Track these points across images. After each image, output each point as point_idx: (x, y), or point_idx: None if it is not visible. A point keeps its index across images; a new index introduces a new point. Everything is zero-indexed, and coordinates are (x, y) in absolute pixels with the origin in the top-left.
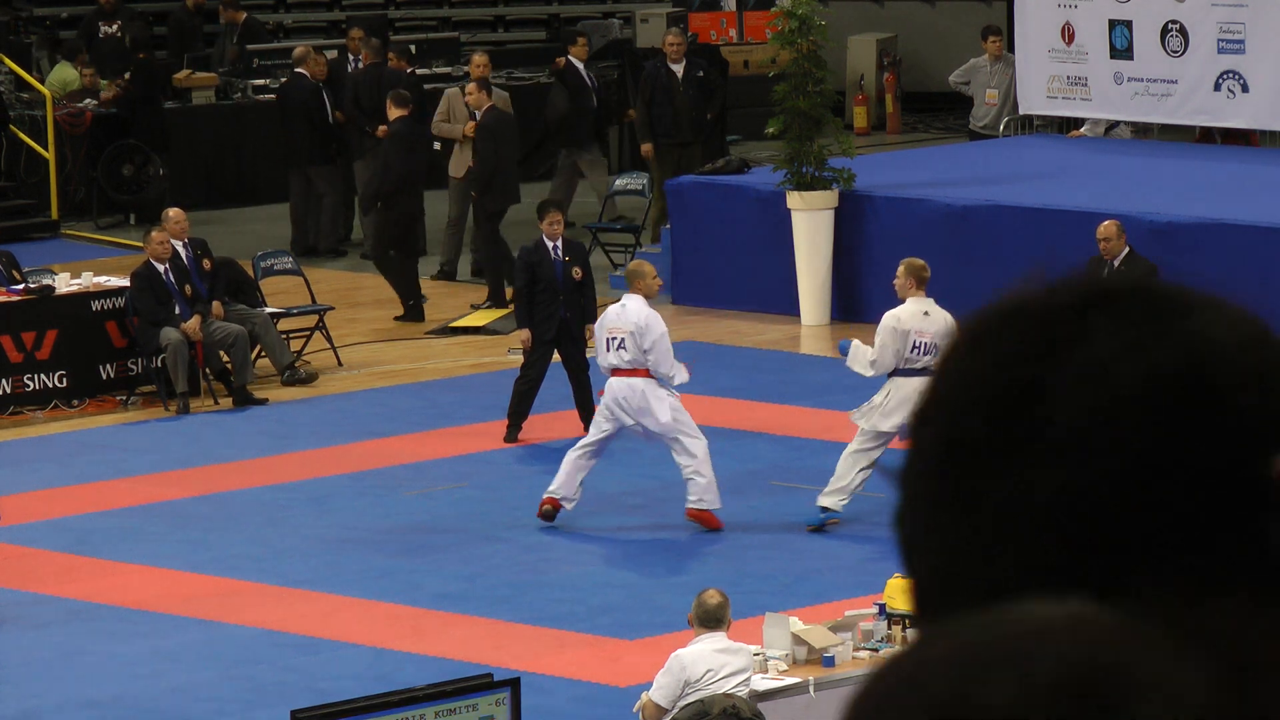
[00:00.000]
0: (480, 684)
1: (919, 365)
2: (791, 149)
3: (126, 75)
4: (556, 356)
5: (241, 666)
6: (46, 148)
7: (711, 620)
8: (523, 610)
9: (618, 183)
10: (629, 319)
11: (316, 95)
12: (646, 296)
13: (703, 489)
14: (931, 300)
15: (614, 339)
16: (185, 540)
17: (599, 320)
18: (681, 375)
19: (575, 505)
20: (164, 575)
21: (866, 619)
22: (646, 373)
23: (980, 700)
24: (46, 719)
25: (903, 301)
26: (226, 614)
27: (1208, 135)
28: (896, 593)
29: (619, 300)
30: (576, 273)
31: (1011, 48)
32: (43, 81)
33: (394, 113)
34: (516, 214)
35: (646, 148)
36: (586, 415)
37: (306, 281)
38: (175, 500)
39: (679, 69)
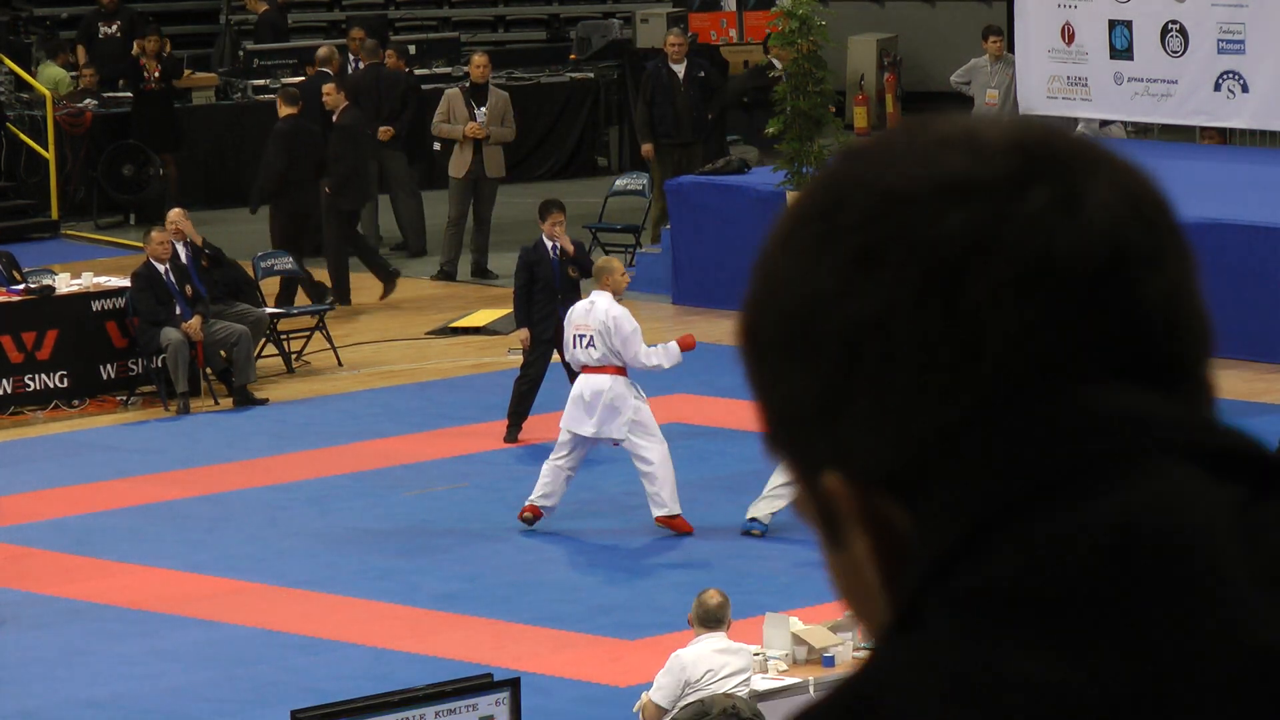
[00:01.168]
0: (480, 684)
1: None
2: (791, 149)
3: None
4: (556, 357)
5: (241, 666)
6: (46, 148)
7: (711, 620)
8: (523, 610)
9: (618, 183)
10: (596, 316)
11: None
12: (614, 293)
13: (661, 496)
14: None
15: (582, 335)
16: (185, 540)
17: (566, 316)
18: (669, 358)
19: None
20: (164, 575)
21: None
22: (616, 370)
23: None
24: (46, 719)
25: None
26: (226, 614)
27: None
28: None
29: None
30: (573, 272)
31: (1012, 48)
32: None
33: (283, 110)
34: (520, 214)
35: (647, 148)
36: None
37: (306, 281)
38: (175, 500)
39: (680, 69)
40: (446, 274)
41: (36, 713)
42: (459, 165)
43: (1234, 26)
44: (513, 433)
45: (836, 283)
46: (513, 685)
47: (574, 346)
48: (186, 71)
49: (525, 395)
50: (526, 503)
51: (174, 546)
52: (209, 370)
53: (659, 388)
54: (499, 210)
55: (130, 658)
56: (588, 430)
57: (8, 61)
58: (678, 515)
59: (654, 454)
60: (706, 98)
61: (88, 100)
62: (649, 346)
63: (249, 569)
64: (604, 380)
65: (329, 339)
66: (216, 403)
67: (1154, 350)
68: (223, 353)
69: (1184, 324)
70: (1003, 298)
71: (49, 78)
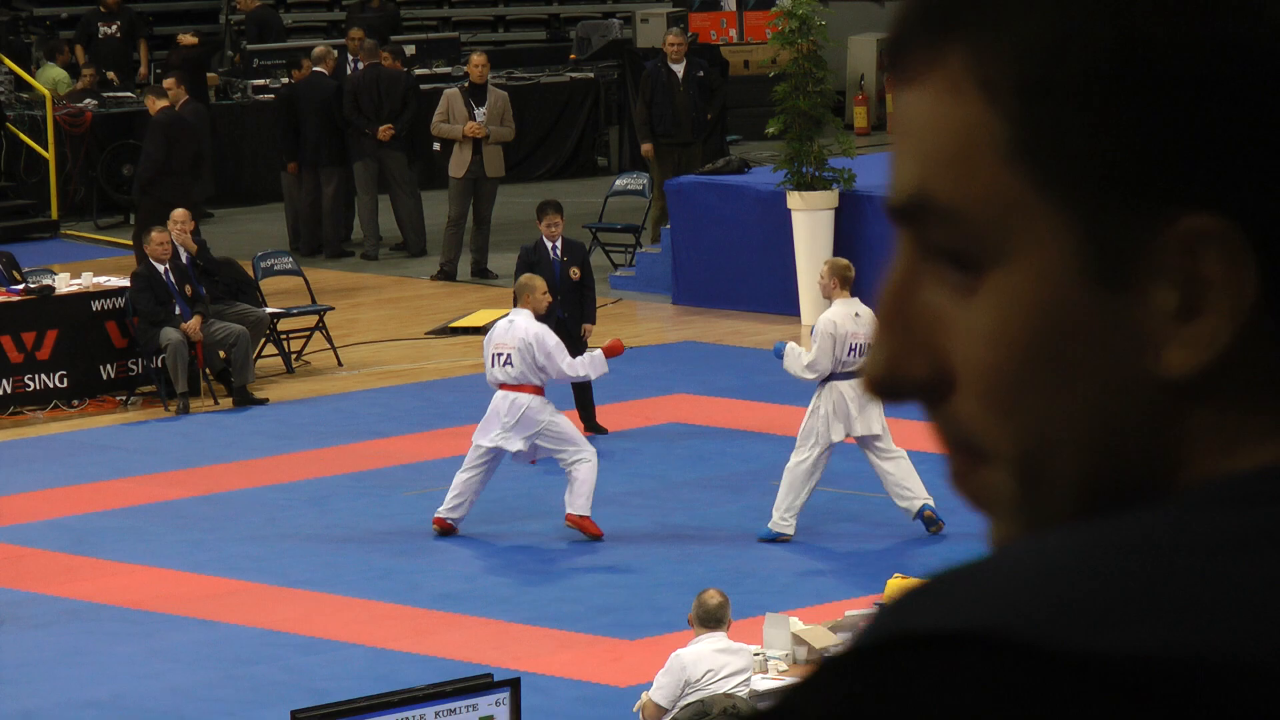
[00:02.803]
0: (480, 684)
1: (853, 368)
2: (792, 149)
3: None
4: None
5: (241, 666)
6: (46, 148)
7: (711, 620)
8: (523, 610)
9: (618, 183)
10: (516, 334)
11: (337, 94)
12: (534, 311)
13: (581, 494)
14: (857, 300)
15: (499, 355)
16: (185, 540)
17: (486, 336)
18: (595, 367)
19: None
20: (164, 575)
21: (866, 619)
22: (532, 389)
23: None
24: (46, 719)
25: (829, 303)
26: (226, 614)
27: None
28: (896, 593)
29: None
30: (574, 273)
31: None
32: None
33: (158, 104)
34: (520, 214)
35: (647, 148)
36: (587, 415)
37: (306, 281)
38: (175, 500)
39: (679, 69)
40: (446, 274)
41: (36, 713)
42: (459, 165)
43: None
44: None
45: None
46: (513, 685)
47: (491, 365)
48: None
49: (581, 390)
50: (435, 514)
51: (174, 546)
52: (209, 370)
53: (659, 388)
54: (499, 210)
55: (130, 658)
56: (489, 442)
57: (8, 62)
58: (587, 517)
59: (584, 465)
60: (706, 98)
61: (87, 100)
62: (574, 358)
63: (249, 569)
64: (521, 398)
65: (329, 339)
66: (216, 403)
67: None
68: (222, 353)
69: None
70: None
71: (49, 78)
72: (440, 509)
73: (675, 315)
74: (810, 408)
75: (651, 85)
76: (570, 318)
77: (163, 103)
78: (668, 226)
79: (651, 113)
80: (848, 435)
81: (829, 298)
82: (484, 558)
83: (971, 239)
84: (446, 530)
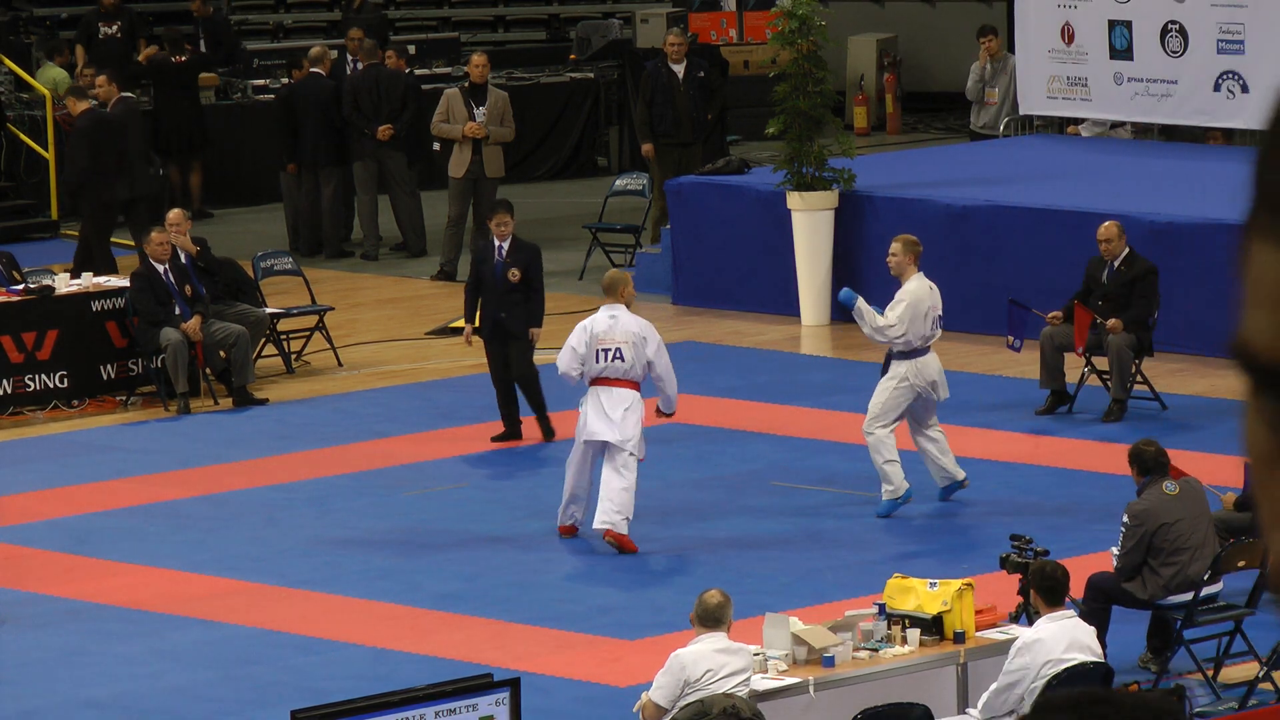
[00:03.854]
0: (480, 684)
1: (933, 340)
2: (792, 149)
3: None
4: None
5: (241, 666)
6: (46, 148)
7: (711, 620)
8: (523, 610)
9: (618, 183)
10: (626, 329)
11: (335, 95)
12: (628, 305)
13: (620, 510)
14: (923, 275)
15: (607, 350)
16: (185, 540)
17: (584, 334)
18: (676, 401)
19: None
20: (164, 575)
21: (866, 619)
22: (635, 385)
23: None
24: (46, 719)
25: (902, 280)
26: (226, 614)
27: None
28: (896, 593)
29: (598, 308)
30: (513, 274)
31: (1011, 48)
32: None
33: (79, 106)
34: (520, 214)
35: (647, 148)
36: (512, 421)
37: (306, 281)
38: (175, 500)
39: (679, 69)
40: (446, 274)
41: (36, 713)
42: (458, 165)
43: (1234, 26)
44: (512, 432)
45: None
46: (513, 685)
47: (597, 360)
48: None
49: (499, 394)
50: (605, 529)
51: (174, 546)
52: (209, 370)
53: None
54: None
55: (130, 658)
56: (610, 436)
57: (8, 62)
58: (625, 534)
59: (631, 476)
60: (706, 98)
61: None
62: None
63: (249, 569)
64: (627, 395)
65: (329, 339)
66: (216, 403)
67: None
68: (222, 353)
69: None
70: None
71: (49, 78)
72: (563, 513)
73: (675, 315)
74: (886, 384)
75: (651, 85)
76: (510, 318)
77: (84, 104)
78: (668, 226)
79: (651, 113)
80: (946, 392)
81: (900, 274)
82: (484, 558)
83: None
84: (573, 533)
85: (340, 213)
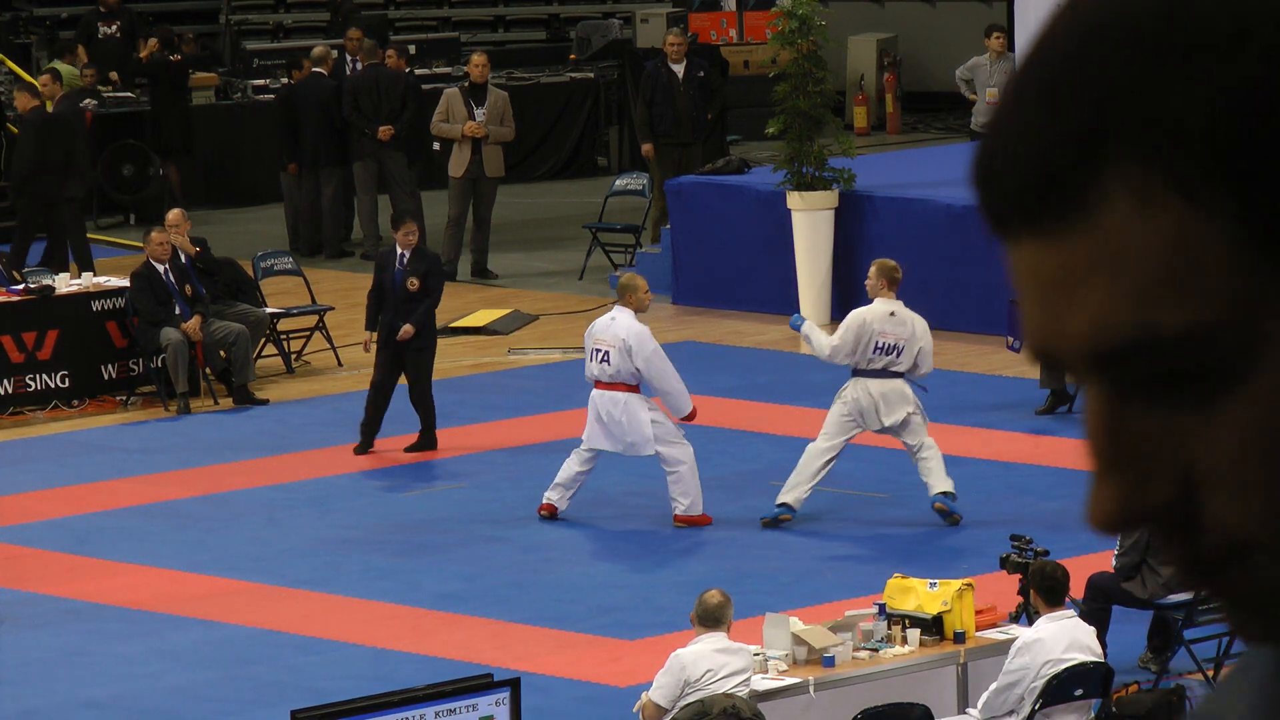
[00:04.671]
0: (480, 684)
1: (878, 366)
2: (792, 149)
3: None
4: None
5: (241, 666)
6: None
7: (711, 620)
8: (523, 610)
9: (618, 183)
10: (617, 332)
11: (336, 95)
12: (637, 311)
13: (687, 493)
14: (900, 303)
15: (598, 350)
16: (185, 540)
17: (587, 330)
18: (687, 405)
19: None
20: (164, 575)
21: (866, 619)
22: (628, 387)
23: None
24: (46, 719)
25: (871, 301)
26: (226, 614)
27: None
28: (896, 593)
29: (616, 299)
30: (412, 284)
31: (1013, 47)
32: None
33: (28, 103)
34: (520, 214)
35: (647, 148)
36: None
37: (306, 281)
38: (175, 500)
39: (679, 69)
40: (446, 274)
41: (36, 713)
42: (458, 165)
43: None
44: (365, 445)
45: None
46: (513, 685)
47: (590, 360)
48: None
49: (369, 405)
50: (547, 500)
51: (174, 546)
52: (209, 370)
53: None
54: (499, 210)
55: (130, 658)
56: (614, 447)
57: (8, 62)
58: (700, 513)
59: (684, 454)
60: (706, 97)
61: (88, 100)
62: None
63: (249, 569)
64: (619, 396)
65: (329, 339)
66: (216, 403)
67: None
68: (222, 353)
69: None
70: None
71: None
72: (548, 493)
73: (675, 315)
74: (838, 397)
75: (651, 85)
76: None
77: (34, 101)
78: (668, 226)
79: (651, 113)
80: (872, 429)
81: (874, 297)
82: (484, 558)
83: (1212, 354)
84: (552, 513)
85: (340, 213)
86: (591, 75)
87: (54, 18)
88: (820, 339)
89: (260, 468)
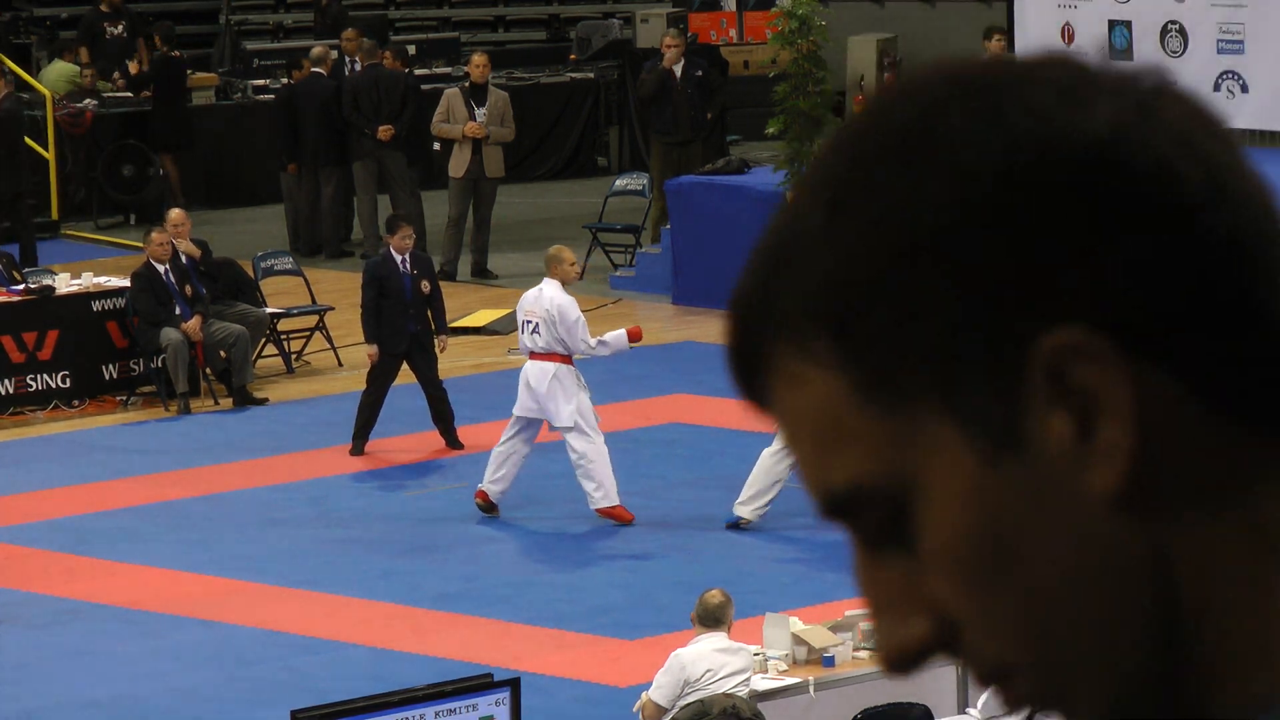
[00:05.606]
0: (480, 684)
1: None
2: (792, 149)
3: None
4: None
5: (241, 666)
6: (46, 148)
7: (712, 620)
8: (523, 610)
9: (618, 183)
10: (542, 304)
11: (336, 95)
12: (563, 282)
13: (592, 478)
14: None
15: (529, 322)
16: (185, 540)
17: (519, 302)
18: (614, 345)
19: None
20: (164, 575)
21: (866, 619)
22: (560, 358)
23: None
24: (46, 719)
25: None
26: (226, 614)
27: None
28: None
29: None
30: (424, 286)
31: (1012, 48)
32: (40, 83)
33: None
34: (520, 214)
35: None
36: (446, 430)
37: (306, 281)
38: (175, 500)
39: (678, 69)
40: (446, 274)
41: (36, 713)
42: (458, 165)
43: (1234, 26)
44: (359, 445)
45: None
46: (513, 685)
47: (521, 332)
48: (186, 71)
49: (373, 408)
50: (479, 487)
51: (174, 546)
52: (209, 370)
53: (659, 388)
54: (499, 210)
55: (130, 658)
56: (533, 411)
57: (8, 62)
58: (617, 505)
59: (591, 450)
60: (705, 97)
61: (88, 100)
62: (595, 338)
63: (249, 569)
64: (548, 367)
65: (329, 339)
66: (216, 403)
67: None
68: (222, 353)
69: None
70: None
71: (60, 72)
72: (483, 482)
73: (675, 315)
74: None
75: (651, 84)
76: (424, 330)
77: None
78: (668, 226)
79: (650, 111)
80: None
81: None
82: (484, 558)
83: (891, 497)
84: (488, 504)
85: (340, 213)
86: (591, 75)
87: (54, 18)
88: None
89: (260, 468)
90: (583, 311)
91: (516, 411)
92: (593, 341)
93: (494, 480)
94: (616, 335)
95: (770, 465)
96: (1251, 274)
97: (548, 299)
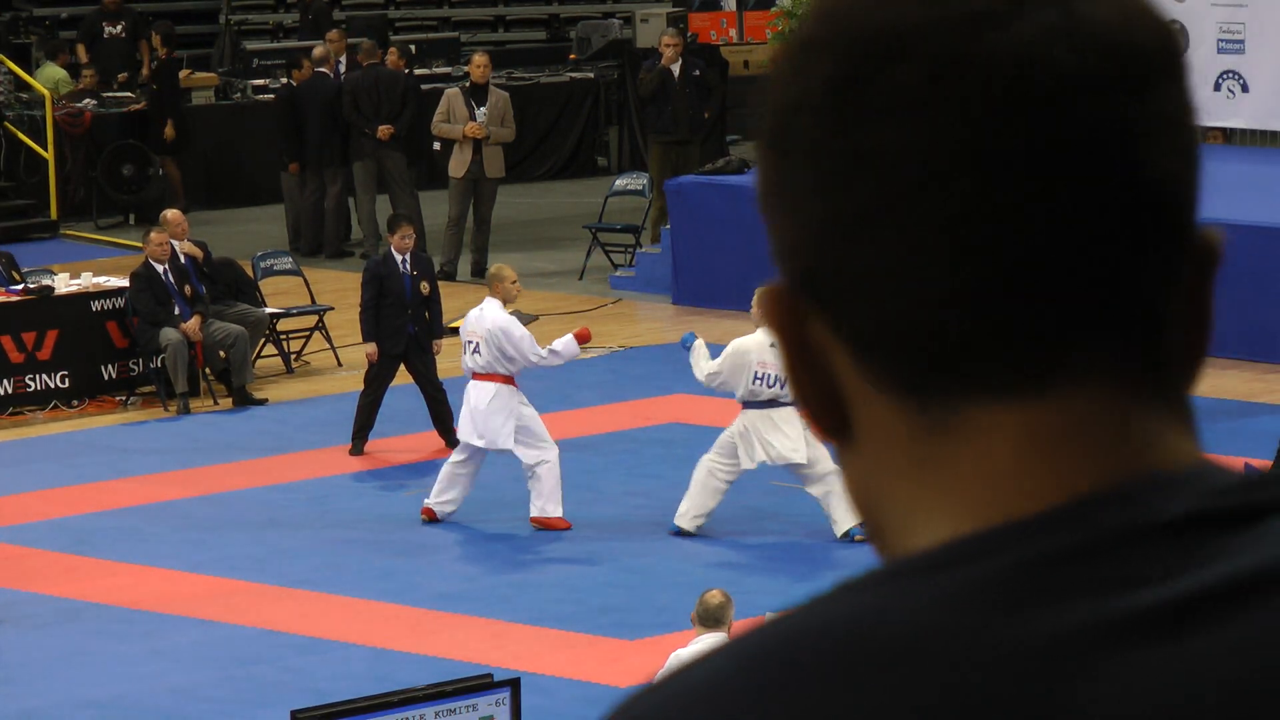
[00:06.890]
0: (480, 684)
1: (764, 398)
2: None
3: (148, 70)
4: (404, 372)
5: (241, 666)
6: (46, 148)
7: (711, 620)
8: (523, 610)
9: (618, 183)
10: (484, 324)
11: (338, 94)
12: (504, 301)
13: (542, 494)
14: None
15: (470, 342)
16: (185, 540)
17: (463, 322)
18: (564, 353)
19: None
20: (164, 575)
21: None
22: (501, 378)
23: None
24: (46, 719)
25: (754, 331)
26: (226, 614)
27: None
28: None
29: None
30: (424, 287)
31: None
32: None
33: None
34: (520, 214)
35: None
36: (445, 431)
37: (306, 282)
38: (175, 500)
39: (675, 68)
40: (446, 274)
41: (36, 713)
42: (458, 165)
43: (1234, 26)
44: (358, 446)
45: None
46: (513, 685)
47: (464, 353)
48: (186, 71)
49: (370, 409)
50: (424, 503)
51: (174, 546)
52: (209, 370)
53: (659, 388)
54: (499, 210)
55: (130, 658)
56: (476, 441)
57: (7, 62)
58: (554, 516)
59: (542, 460)
60: (704, 96)
61: (87, 100)
62: (541, 348)
63: (249, 569)
64: (489, 387)
65: (329, 339)
66: (216, 403)
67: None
68: (222, 353)
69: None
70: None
71: (48, 78)
72: (429, 498)
73: (675, 315)
74: (734, 423)
75: (651, 84)
76: (420, 332)
77: None
78: (667, 226)
79: (649, 111)
80: (755, 463)
81: (758, 326)
82: (484, 558)
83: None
84: (433, 519)
85: (342, 212)
86: (591, 75)
87: (54, 18)
88: (701, 363)
89: (260, 468)
90: (583, 311)
91: (460, 437)
92: (543, 351)
93: (443, 501)
94: (565, 342)
95: (704, 478)
96: None
97: (489, 319)
